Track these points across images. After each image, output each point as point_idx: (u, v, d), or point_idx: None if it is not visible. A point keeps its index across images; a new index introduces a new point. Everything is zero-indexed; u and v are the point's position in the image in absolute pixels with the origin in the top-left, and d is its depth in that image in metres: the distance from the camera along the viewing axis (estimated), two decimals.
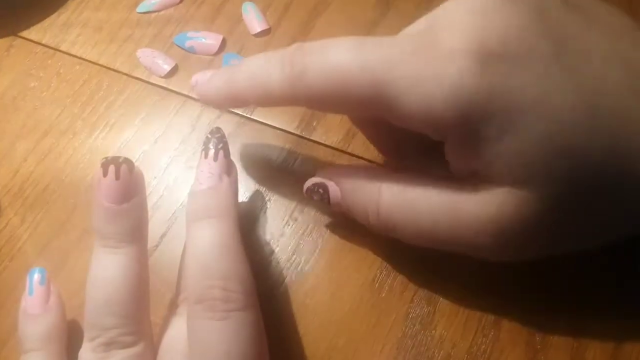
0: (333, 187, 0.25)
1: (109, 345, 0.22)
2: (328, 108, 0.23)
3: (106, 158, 0.23)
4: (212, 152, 0.24)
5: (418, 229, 0.22)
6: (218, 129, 0.25)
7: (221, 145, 0.25)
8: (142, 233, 0.23)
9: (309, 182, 0.26)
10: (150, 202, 0.29)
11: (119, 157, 0.23)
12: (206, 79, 0.25)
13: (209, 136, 0.25)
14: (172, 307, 0.25)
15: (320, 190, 0.25)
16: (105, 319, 0.22)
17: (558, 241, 0.22)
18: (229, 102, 0.25)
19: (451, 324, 0.25)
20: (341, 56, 0.21)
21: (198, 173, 0.24)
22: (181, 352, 0.22)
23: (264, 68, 0.23)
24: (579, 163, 0.19)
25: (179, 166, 0.30)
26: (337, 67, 0.21)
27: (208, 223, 0.22)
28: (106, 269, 0.22)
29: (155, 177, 0.30)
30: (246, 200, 0.29)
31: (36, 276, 0.25)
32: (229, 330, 0.21)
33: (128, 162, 0.23)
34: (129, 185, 0.23)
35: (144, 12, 0.36)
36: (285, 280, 0.27)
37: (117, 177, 0.22)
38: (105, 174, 0.22)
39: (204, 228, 0.22)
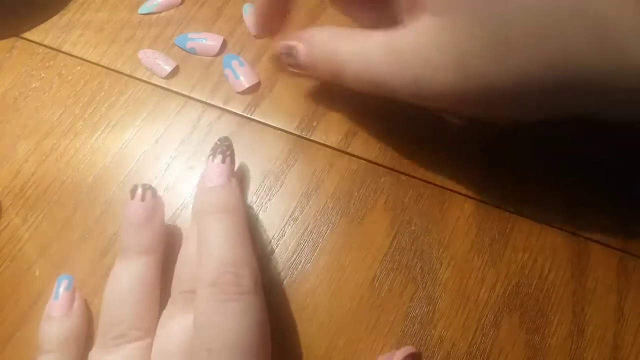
0: (301, 47, 0.27)
1: (119, 339, 0.23)
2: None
3: (135, 185, 0.26)
4: (220, 157, 0.27)
5: (366, 67, 0.25)
6: (227, 138, 0.28)
7: (229, 153, 0.27)
8: (160, 246, 0.26)
9: (281, 44, 0.28)
10: None
11: (145, 184, 0.27)
12: None
13: (218, 143, 0.27)
14: (170, 301, 0.25)
15: (291, 50, 0.28)
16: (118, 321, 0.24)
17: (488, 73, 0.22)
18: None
19: (450, 324, 0.25)
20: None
21: (208, 172, 0.26)
22: (179, 345, 0.23)
23: None
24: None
25: (179, 166, 0.30)
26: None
27: (221, 217, 0.24)
28: (126, 276, 0.25)
29: (156, 177, 0.30)
30: (246, 200, 0.29)
31: (63, 282, 0.27)
32: (240, 311, 0.22)
33: (152, 188, 0.27)
34: (151, 207, 0.26)
35: (146, 14, 0.36)
36: (285, 280, 0.27)
37: (143, 199, 0.26)
38: (132, 197, 0.26)
39: (217, 221, 0.24)
